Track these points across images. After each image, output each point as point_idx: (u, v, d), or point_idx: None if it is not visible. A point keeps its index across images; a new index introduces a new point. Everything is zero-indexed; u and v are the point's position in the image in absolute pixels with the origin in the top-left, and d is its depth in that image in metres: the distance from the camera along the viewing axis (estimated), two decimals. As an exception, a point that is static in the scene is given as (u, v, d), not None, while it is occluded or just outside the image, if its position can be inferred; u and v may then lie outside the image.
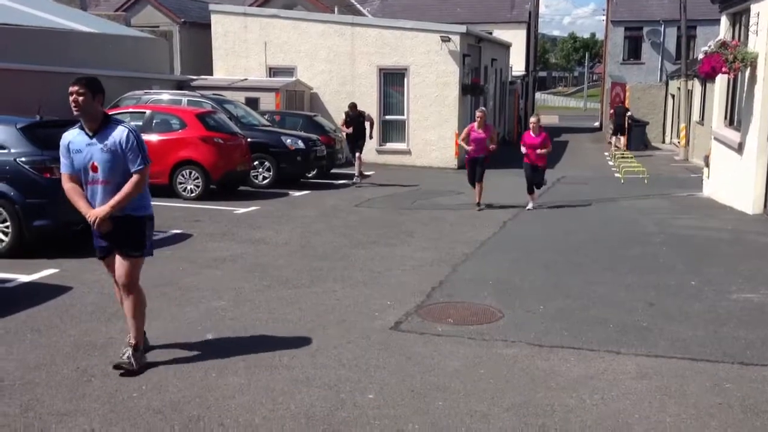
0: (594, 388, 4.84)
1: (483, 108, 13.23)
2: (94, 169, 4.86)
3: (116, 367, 4.90)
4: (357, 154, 16.37)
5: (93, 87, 4.79)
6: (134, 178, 4.87)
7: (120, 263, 5.00)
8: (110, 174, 4.86)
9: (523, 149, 12.70)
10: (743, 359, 5.39)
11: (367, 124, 16.39)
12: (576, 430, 4.25)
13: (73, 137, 4.94)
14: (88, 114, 4.82)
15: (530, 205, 12.87)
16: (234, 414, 4.38)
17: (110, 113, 4.87)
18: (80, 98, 4.74)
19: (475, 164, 12.88)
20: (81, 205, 4.98)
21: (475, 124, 12.76)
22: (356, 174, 16.25)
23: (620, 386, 4.87)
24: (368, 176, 17.55)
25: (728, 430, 4.28)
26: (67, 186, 5.02)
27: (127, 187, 4.86)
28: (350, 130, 16.22)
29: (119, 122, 4.97)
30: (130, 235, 4.98)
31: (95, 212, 4.90)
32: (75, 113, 4.81)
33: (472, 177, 13.04)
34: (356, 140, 16.38)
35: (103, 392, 4.66)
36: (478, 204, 12.80)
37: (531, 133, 12.78)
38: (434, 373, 5.05)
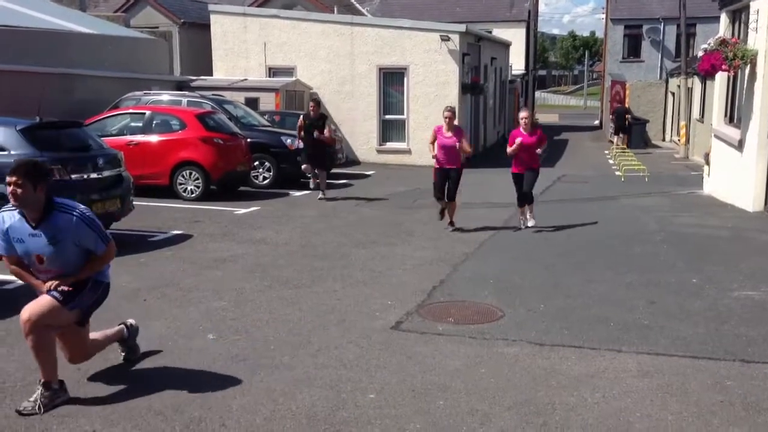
0: (595, 386, 4.84)
1: (451, 106, 10.47)
2: (40, 260, 4.46)
3: (18, 412, 4.36)
4: (317, 172, 13.44)
5: (33, 176, 4.29)
6: (101, 257, 4.56)
7: (39, 297, 4.50)
8: (59, 265, 4.47)
9: (512, 149, 10.15)
10: (744, 357, 5.38)
11: (325, 133, 13.08)
12: (577, 429, 4.25)
13: (13, 223, 4.43)
14: (28, 206, 4.35)
15: (530, 222, 10.55)
16: (235, 415, 4.38)
17: (55, 199, 4.42)
18: (18, 191, 4.27)
19: (445, 177, 10.29)
20: (33, 282, 4.57)
21: (443, 126, 10.26)
22: (321, 190, 13.50)
23: (621, 384, 4.87)
24: (330, 198, 13.44)
25: (730, 427, 4.28)
26: (12, 268, 4.59)
27: (93, 265, 4.56)
28: (322, 135, 13.05)
29: (65, 209, 4.44)
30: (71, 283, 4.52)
31: (51, 283, 4.48)
32: (13, 205, 4.38)
33: (440, 190, 10.36)
34: (315, 152, 13.24)
35: (104, 393, 4.66)
36: (451, 223, 10.52)
37: (522, 130, 10.24)
38: (435, 373, 5.05)
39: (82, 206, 4.56)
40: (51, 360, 4.47)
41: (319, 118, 13.21)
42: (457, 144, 10.13)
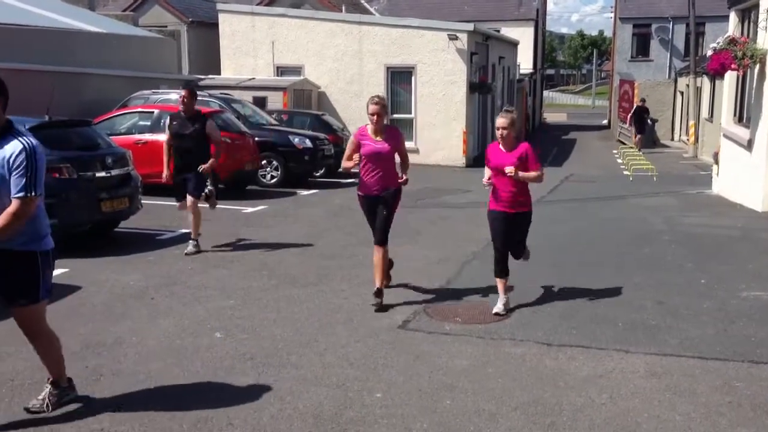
0: (603, 386, 4.82)
1: (379, 96, 6.77)
2: None
3: (26, 410, 4.31)
4: (191, 199, 8.61)
5: None
6: (11, 206, 3.83)
7: (15, 312, 4.15)
8: None
9: (486, 178, 6.41)
10: (753, 357, 5.36)
11: (212, 134, 8.74)
12: (585, 429, 4.23)
13: None
14: None
15: (500, 304, 6.40)
16: (242, 413, 4.39)
17: (12, 121, 3.95)
18: None
19: (374, 206, 6.73)
20: None
21: (368, 128, 6.68)
22: (192, 234, 8.75)
23: (629, 385, 4.85)
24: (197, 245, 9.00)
25: (738, 428, 4.26)
26: None
27: (2, 218, 3.84)
28: (190, 144, 8.55)
29: (20, 134, 3.91)
30: (14, 276, 4.01)
31: None
32: None
33: (372, 223, 6.85)
34: (185, 164, 8.55)
35: (112, 391, 4.68)
36: (378, 291, 6.61)
37: (500, 146, 6.38)
38: (442, 372, 5.05)
39: (37, 143, 3.95)
40: (57, 358, 4.42)
41: (195, 118, 8.58)
42: (391, 151, 6.64)
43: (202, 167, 8.55)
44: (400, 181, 6.71)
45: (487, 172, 6.44)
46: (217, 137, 9.03)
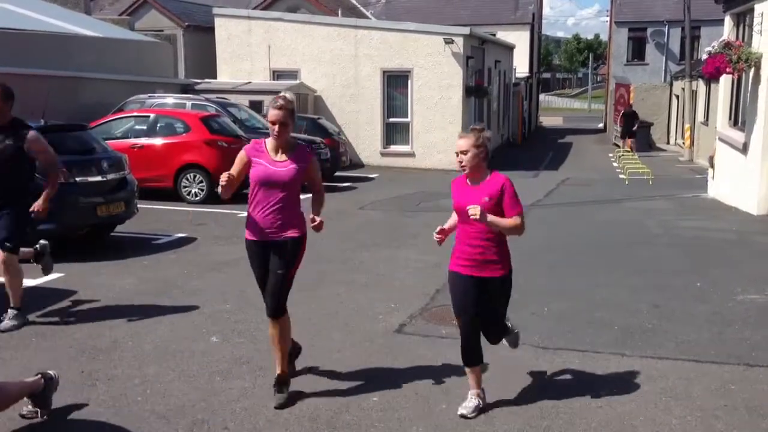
0: (599, 390, 4.83)
1: (284, 97, 4.60)
2: None
3: (21, 416, 4.25)
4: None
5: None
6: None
7: None
8: None
9: (437, 231, 4.65)
10: (749, 361, 5.37)
11: (38, 153, 5.92)
12: (581, 433, 4.24)
13: None
14: None
15: (471, 404, 4.49)
16: (239, 417, 4.38)
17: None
18: None
19: (265, 259, 4.75)
20: None
21: (265, 145, 4.71)
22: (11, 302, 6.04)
23: (625, 388, 4.86)
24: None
25: (733, 431, 4.27)
26: None
27: None
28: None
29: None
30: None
31: None
32: None
33: (261, 283, 4.86)
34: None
35: (107, 396, 4.67)
36: (280, 380, 4.69)
37: (467, 179, 4.50)
38: (438, 376, 5.05)
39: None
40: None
41: (8, 129, 5.79)
42: (296, 178, 4.62)
43: (35, 206, 5.86)
44: (313, 225, 4.61)
45: (450, 222, 4.71)
46: (49, 158, 6.03)
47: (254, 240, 4.70)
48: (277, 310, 4.69)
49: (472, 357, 4.53)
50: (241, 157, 4.70)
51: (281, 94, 4.65)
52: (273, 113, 4.54)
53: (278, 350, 4.72)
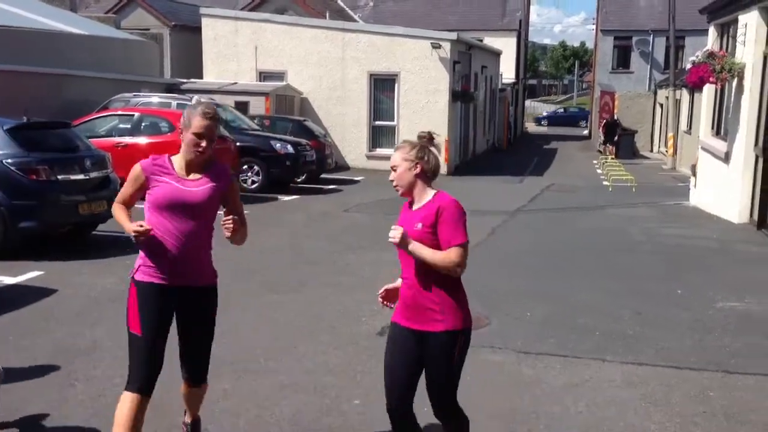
0: (579, 395, 4.85)
1: (208, 106, 3.58)
2: None
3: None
4: None
5: None
6: None
7: None
8: None
9: (381, 294, 3.99)
10: (728, 368, 5.41)
11: None
12: (561, 438, 4.25)
13: None
14: None
15: None
16: (219, 419, 4.36)
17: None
18: None
19: (168, 310, 3.59)
20: None
21: (170, 158, 3.62)
22: None
23: (605, 394, 4.89)
24: None
25: (712, 438, 4.30)
26: None
27: None
28: None
29: None
30: None
31: None
32: None
33: (153, 363, 3.71)
34: None
35: (86, 396, 4.63)
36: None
37: (410, 206, 3.63)
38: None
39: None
40: None
41: None
42: (213, 202, 3.60)
43: None
44: (225, 222, 3.57)
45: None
46: None
47: (156, 283, 3.53)
48: (204, 376, 3.80)
49: None
50: (136, 175, 3.62)
51: (200, 99, 3.52)
52: (202, 124, 3.49)
53: (192, 410, 3.98)
